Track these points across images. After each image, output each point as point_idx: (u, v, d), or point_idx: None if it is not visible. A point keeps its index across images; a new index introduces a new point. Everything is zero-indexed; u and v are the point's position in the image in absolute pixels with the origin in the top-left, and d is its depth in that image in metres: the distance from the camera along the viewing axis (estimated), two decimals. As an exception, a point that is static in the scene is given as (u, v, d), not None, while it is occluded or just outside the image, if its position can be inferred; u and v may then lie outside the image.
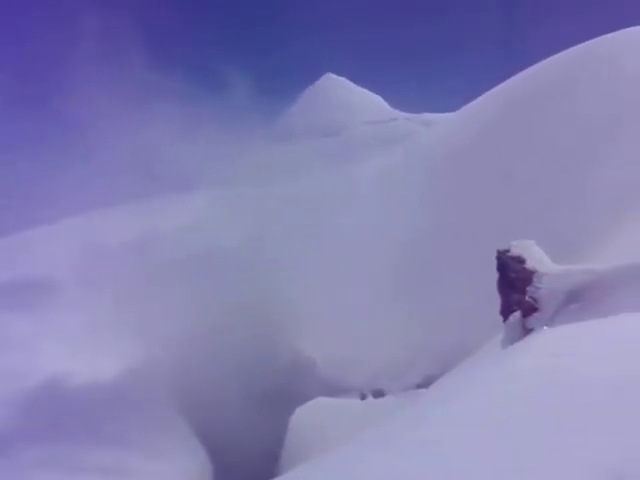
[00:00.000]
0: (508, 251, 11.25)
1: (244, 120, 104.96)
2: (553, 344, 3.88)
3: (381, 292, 39.21)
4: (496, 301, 13.40)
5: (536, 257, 11.06)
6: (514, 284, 10.73)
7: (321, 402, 29.46)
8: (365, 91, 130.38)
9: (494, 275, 13.34)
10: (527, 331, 10.18)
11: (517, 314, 10.58)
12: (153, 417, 30.48)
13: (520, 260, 10.79)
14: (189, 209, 64.11)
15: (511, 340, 9.95)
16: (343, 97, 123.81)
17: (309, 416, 28.06)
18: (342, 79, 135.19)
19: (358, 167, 66.88)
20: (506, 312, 10.99)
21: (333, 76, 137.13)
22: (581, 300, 10.01)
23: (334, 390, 32.39)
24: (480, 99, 53.43)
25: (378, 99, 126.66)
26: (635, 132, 30.18)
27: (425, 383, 23.13)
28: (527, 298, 10.31)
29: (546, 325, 9.01)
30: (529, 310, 10.27)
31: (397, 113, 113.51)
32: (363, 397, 28.81)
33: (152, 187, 73.08)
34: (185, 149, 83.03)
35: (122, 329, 38.09)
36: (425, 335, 31.80)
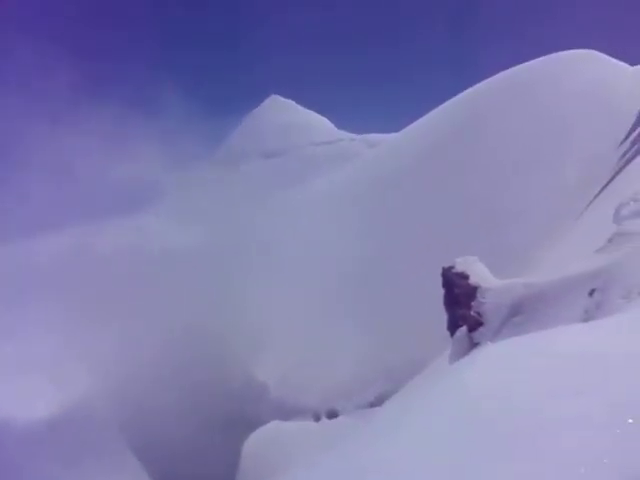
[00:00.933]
0: (452, 268, 11.54)
1: (189, 143, 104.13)
2: (496, 359, 4.04)
3: (331, 311, 39.33)
4: (444, 316, 13.71)
5: (479, 273, 11.39)
6: (459, 299, 10.99)
7: (275, 426, 29.01)
8: (311, 113, 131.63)
9: (442, 291, 13.66)
10: (474, 345, 10.45)
11: (463, 329, 10.82)
12: (98, 452, 29.01)
13: (464, 276, 11.08)
14: (131, 232, 62.60)
15: (458, 355, 10.17)
16: (289, 119, 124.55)
17: (264, 441, 27.56)
18: (288, 101, 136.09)
19: (305, 187, 67.38)
20: (453, 327, 11.22)
21: (279, 98, 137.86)
22: (523, 312, 10.38)
23: (288, 413, 32.02)
24: (421, 120, 55.15)
25: (324, 120, 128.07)
26: (566, 150, 31.89)
27: (378, 401, 23.24)
28: (472, 313, 10.58)
29: (490, 340, 9.27)
30: (475, 324, 10.54)
31: (343, 134, 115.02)
32: (317, 418, 28.59)
33: (88, 209, 71.02)
34: (126, 171, 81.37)
35: (59, 357, 36.21)
36: (375, 354, 32.03)
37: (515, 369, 3.75)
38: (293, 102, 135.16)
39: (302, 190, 66.34)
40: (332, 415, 28.68)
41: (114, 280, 47.74)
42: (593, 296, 8.95)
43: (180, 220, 63.52)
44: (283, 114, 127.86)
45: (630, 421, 2.74)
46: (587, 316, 8.49)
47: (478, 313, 10.51)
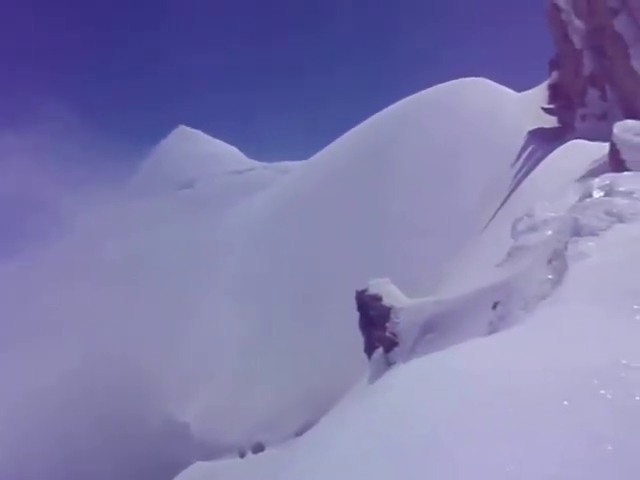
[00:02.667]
0: (366, 290, 11.78)
1: (98, 177, 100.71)
2: (407, 378, 4.15)
3: (247, 344, 38.74)
4: (361, 339, 13.91)
5: (392, 294, 11.72)
6: (374, 321, 11.21)
7: (199, 467, 27.97)
8: (220, 142, 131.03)
9: (357, 313, 13.88)
10: (390, 365, 10.67)
11: (380, 350, 11.04)
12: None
13: (377, 298, 11.33)
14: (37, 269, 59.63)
15: (376, 376, 10.34)
16: (199, 149, 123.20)
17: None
18: (196, 131, 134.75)
19: (215, 217, 66.64)
20: (370, 349, 11.41)
21: (186, 128, 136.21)
22: (435, 330, 10.76)
23: (212, 451, 30.85)
24: (330, 147, 56.57)
25: (233, 150, 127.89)
26: (464, 172, 33.93)
27: (303, 430, 23.01)
28: (387, 334, 10.81)
29: (404, 359, 9.50)
30: (390, 345, 10.78)
31: (253, 162, 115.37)
32: (242, 454, 27.87)
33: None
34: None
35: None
36: (296, 382, 31.76)
37: (425, 387, 3.85)
38: (201, 132, 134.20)
39: (215, 219, 65.68)
40: (258, 449, 28.06)
41: (19, 304, 45.54)
42: (496, 309, 9.43)
43: (91, 252, 61.72)
44: (192, 144, 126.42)
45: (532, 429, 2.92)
46: (492, 328, 8.93)
47: (393, 334, 10.77)
